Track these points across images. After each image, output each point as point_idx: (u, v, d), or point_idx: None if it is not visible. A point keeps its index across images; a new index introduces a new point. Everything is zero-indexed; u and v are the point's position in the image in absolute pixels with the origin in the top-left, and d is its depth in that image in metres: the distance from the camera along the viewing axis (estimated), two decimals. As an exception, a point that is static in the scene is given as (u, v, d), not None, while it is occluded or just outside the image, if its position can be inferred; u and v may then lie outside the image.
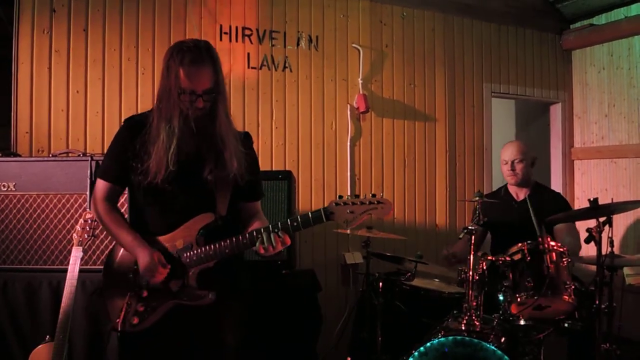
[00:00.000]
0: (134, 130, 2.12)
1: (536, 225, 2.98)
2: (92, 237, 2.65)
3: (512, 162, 3.66)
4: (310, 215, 1.99)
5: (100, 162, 2.97)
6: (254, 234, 2.04)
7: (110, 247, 2.93)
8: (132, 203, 2.26)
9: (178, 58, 1.99)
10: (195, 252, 2.09)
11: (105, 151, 3.49)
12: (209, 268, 2.11)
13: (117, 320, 2.10)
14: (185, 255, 2.10)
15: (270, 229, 2.02)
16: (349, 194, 4.26)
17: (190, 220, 2.11)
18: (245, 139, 2.24)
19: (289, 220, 2.01)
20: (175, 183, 2.06)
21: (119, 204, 2.28)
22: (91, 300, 2.73)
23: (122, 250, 2.19)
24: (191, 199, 2.11)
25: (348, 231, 3.43)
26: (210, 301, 2.09)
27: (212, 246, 2.07)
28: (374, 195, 1.99)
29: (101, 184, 2.20)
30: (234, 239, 2.06)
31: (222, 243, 2.06)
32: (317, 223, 1.99)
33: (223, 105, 2.09)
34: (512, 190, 3.77)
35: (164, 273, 2.07)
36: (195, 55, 1.99)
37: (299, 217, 2.00)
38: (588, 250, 3.23)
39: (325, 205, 2.00)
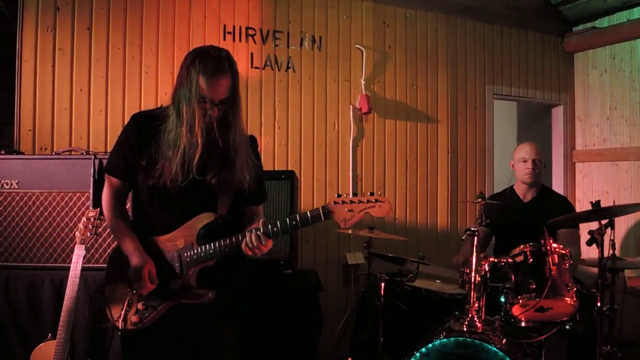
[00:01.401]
0: (142, 125, 2.12)
1: None
2: (95, 235, 2.64)
3: (534, 161, 3.66)
4: (308, 214, 1.98)
5: (104, 160, 2.97)
6: (246, 233, 2.04)
7: (113, 245, 2.95)
8: (135, 202, 2.26)
9: (200, 66, 1.98)
10: (195, 251, 2.10)
11: (109, 149, 3.53)
12: (209, 267, 2.11)
13: (118, 318, 2.10)
14: (185, 254, 2.11)
15: (254, 230, 2.02)
16: (351, 194, 4.34)
17: (191, 219, 2.12)
18: (252, 143, 2.24)
19: (287, 219, 2.01)
20: (183, 185, 2.06)
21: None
22: (93, 298, 2.73)
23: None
24: (193, 199, 2.11)
25: (349, 231, 3.43)
26: (210, 300, 2.10)
27: (212, 245, 2.08)
28: (372, 194, 1.99)
29: (109, 181, 2.21)
30: (233, 238, 2.06)
31: (222, 242, 2.07)
32: (315, 222, 1.99)
33: (237, 114, 2.11)
34: (520, 191, 3.77)
35: (149, 288, 2.09)
36: (217, 66, 1.99)
37: (297, 216, 2.00)
38: (590, 252, 3.23)
39: (325, 204, 2.00)
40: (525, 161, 3.68)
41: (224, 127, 2.07)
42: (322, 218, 1.97)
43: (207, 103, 2.00)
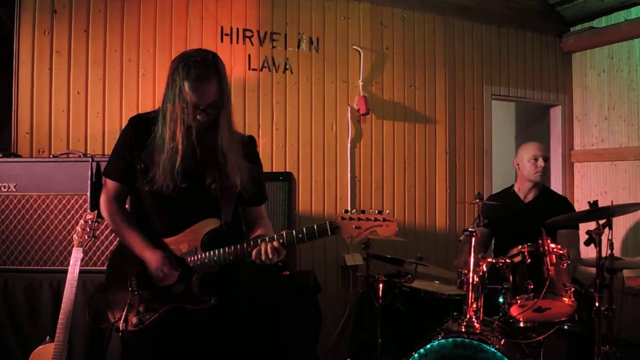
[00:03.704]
0: (139, 129, 2.12)
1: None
2: (93, 238, 2.64)
3: (546, 159, 3.68)
4: (315, 228, 1.99)
5: (102, 162, 2.97)
6: (259, 242, 2.04)
7: (112, 247, 2.95)
8: (135, 204, 2.26)
9: (184, 72, 1.97)
10: (199, 256, 2.09)
11: (106, 152, 3.53)
12: (212, 272, 2.11)
13: (119, 319, 2.10)
14: (189, 259, 2.11)
15: (267, 240, 2.02)
16: (349, 196, 4.36)
17: (196, 224, 2.12)
18: (249, 142, 2.24)
19: (294, 232, 2.01)
20: (178, 191, 2.06)
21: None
22: (93, 298, 2.73)
23: (126, 249, 2.19)
24: (196, 204, 2.12)
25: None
26: (211, 306, 2.10)
27: (216, 252, 2.08)
28: (380, 212, 1.99)
29: (109, 184, 2.21)
30: (238, 246, 2.06)
31: (227, 249, 2.07)
32: (322, 236, 1.99)
33: (226, 118, 2.08)
34: (521, 191, 3.76)
35: (175, 277, 2.08)
36: (201, 71, 1.98)
37: (304, 229, 2.00)
38: (588, 252, 3.23)
39: (332, 219, 2.00)
40: (536, 159, 3.67)
41: (214, 132, 2.07)
42: (329, 233, 1.98)
43: (190, 108, 1.99)
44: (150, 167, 2.06)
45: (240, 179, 2.10)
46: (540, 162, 3.65)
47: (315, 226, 1.99)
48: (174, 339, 2.14)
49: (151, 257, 2.08)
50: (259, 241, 2.03)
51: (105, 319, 2.16)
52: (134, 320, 2.09)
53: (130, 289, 2.12)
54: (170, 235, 2.14)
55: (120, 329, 2.09)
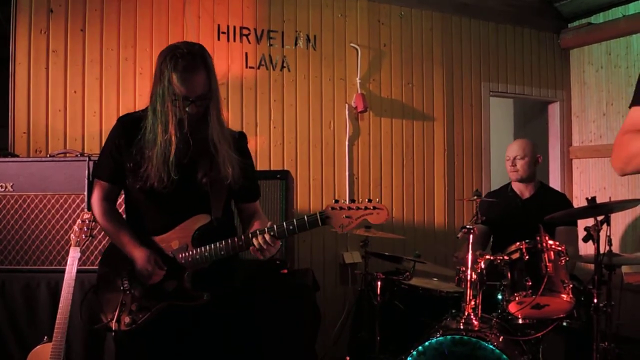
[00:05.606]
0: (129, 128, 2.12)
1: None
2: (90, 238, 2.63)
3: (514, 159, 3.69)
4: (306, 219, 1.98)
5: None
6: (250, 236, 2.04)
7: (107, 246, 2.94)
8: (127, 203, 2.25)
9: (171, 64, 1.97)
10: (190, 253, 2.09)
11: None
12: (204, 268, 2.10)
13: (111, 319, 2.09)
14: (180, 256, 2.10)
15: (258, 233, 2.02)
16: (347, 193, 4.36)
17: (186, 221, 2.11)
18: (240, 139, 2.23)
19: (284, 224, 2.01)
20: (171, 186, 2.05)
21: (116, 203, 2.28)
22: (85, 299, 2.73)
23: (117, 249, 2.18)
24: (187, 200, 2.11)
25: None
26: (204, 302, 2.09)
27: (207, 247, 2.07)
28: (370, 200, 1.99)
29: (99, 184, 2.20)
30: (229, 241, 2.06)
31: (218, 245, 2.06)
32: (312, 227, 1.99)
33: (216, 110, 2.08)
34: (517, 188, 3.78)
35: (160, 275, 2.08)
36: (188, 63, 1.98)
37: (295, 220, 2.00)
38: (587, 248, 3.23)
39: (322, 209, 2.00)
40: (508, 159, 3.75)
41: (204, 124, 2.06)
42: (320, 223, 1.98)
43: (180, 100, 1.99)
44: (141, 162, 2.05)
45: (230, 170, 2.09)
46: (510, 162, 3.73)
47: (305, 217, 1.99)
48: (168, 337, 2.13)
49: (138, 255, 2.09)
50: (250, 236, 2.03)
51: (99, 319, 2.15)
52: (127, 319, 2.08)
53: (122, 288, 2.11)
54: (161, 233, 2.13)
55: (113, 329, 2.08)
